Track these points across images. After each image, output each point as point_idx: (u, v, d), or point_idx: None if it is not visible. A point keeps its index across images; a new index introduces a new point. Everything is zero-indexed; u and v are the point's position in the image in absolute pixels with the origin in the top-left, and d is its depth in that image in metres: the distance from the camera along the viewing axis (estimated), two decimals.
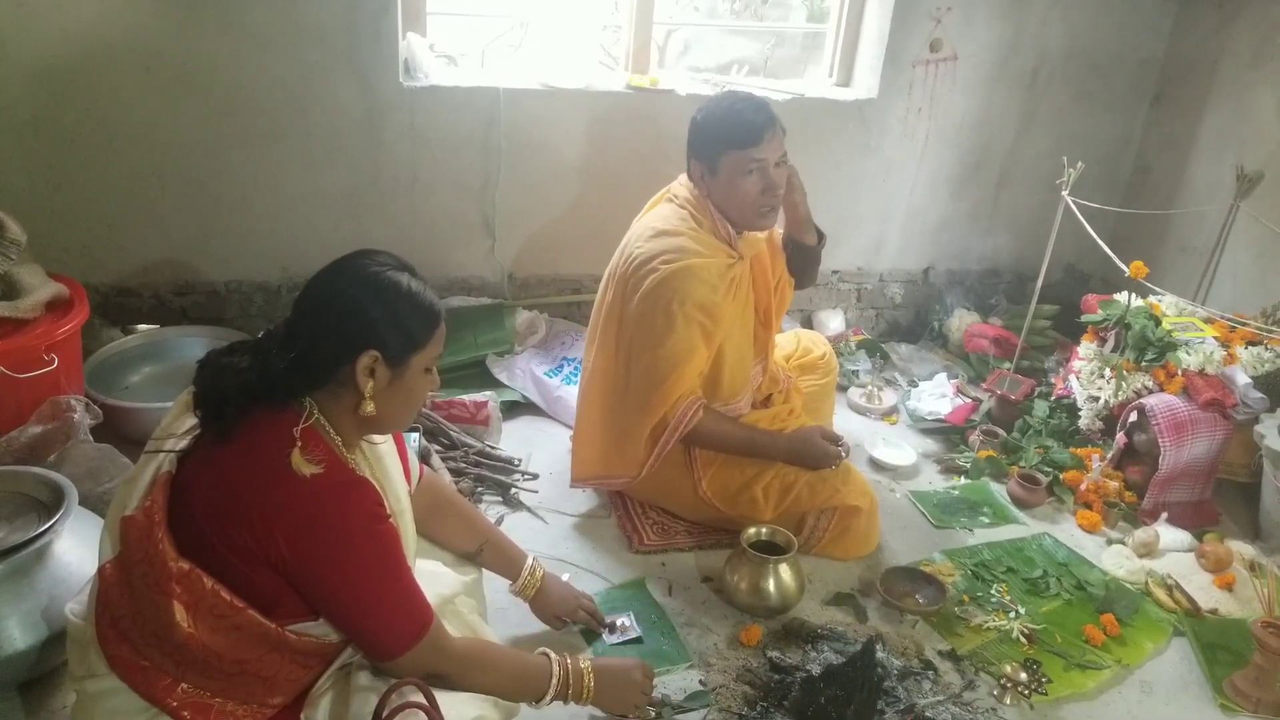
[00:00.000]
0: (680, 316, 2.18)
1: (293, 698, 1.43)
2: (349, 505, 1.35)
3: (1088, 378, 2.89)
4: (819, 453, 2.32)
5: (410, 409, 1.48)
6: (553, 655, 1.64)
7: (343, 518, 1.33)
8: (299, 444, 1.32)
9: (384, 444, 1.59)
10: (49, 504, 1.83)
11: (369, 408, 1.38)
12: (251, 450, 1.34)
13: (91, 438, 2.25)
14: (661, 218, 2.31)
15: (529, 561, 1.94)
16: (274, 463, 1.31)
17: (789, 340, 2.81)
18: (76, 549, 1.80)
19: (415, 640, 1.41)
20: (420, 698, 1.35)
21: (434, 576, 1.66)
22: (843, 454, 2.34)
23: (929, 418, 3.11)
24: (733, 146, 2.17)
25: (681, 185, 2.35)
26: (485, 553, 1.88)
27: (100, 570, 1.37)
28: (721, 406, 2.36)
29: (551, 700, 1.61)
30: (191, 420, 1.41)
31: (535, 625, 2.03)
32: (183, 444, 1.41)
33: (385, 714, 1.32)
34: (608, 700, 1.72)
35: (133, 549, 1.33)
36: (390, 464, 1.59)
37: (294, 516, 1.30)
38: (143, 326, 2.96)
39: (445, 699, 1.40)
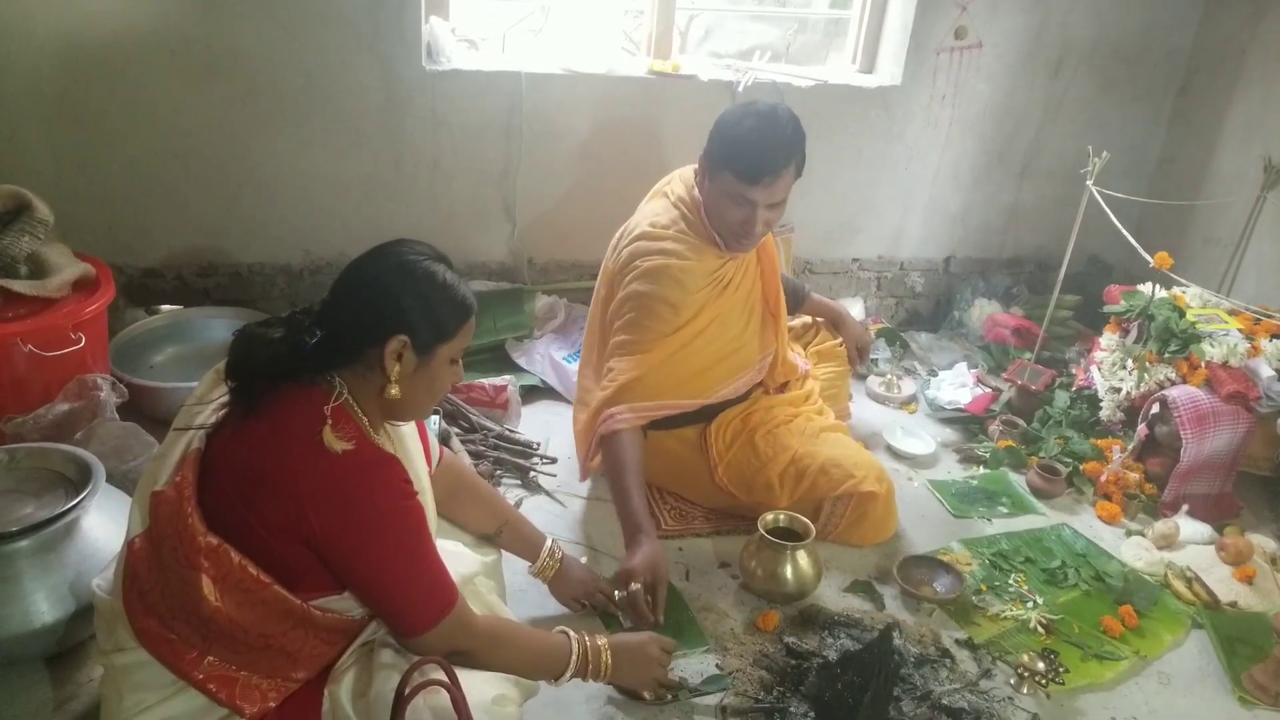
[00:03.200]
0: (647, 313, 2.20)
1: (316, 672, 1.45)
2: (379, 481, 1.37)
3: (1109, 369, 2.87)
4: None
5: (432, 397, 1.51)
6: (571, 633, 1.66)
7: (373, 494, 1.36)
8: (329, 421, 1.35)
9: (405, 425, 1.60)
10: (76, 481, 1.86)
11: (393, 391, 1.41)
12: (282, 426, 1.36)
13: (117, 416, 2.28)
14: (653, 215, 2.29)
15: (548, 543, 1.96)
16: (305, 439, 1.33)
17: (806, 323, 2.81)
18: (103, 525, 1.83)
19: (440, 617, 1.43)
20: (442, 675, 1.36)
21: (454, 556, 1.67)
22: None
23: (948, 407, 3.10)
24: (730, 171, 2.12)
25: (680, 181, 2.33)
26: (505, 534, 1.90)
27: (129, 544, 1.40)
28: (719, 382, 2.35)
29: (570, 677, 1.63)
30: (220, 395, 1.44)
31: (553, 607, 2.05)
32: (212, 420, 1.43)
33: (407, 691, 1.33)
34: (625, 676, 1.74)
35: (162, 524, 1.35)
36: (411, 444, 1.61)
37: (325, 492, 1.33)
38: (166, 307, 2.98)
39: (466, 678, 1.42)
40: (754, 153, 2.10)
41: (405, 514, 1.40)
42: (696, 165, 2.27)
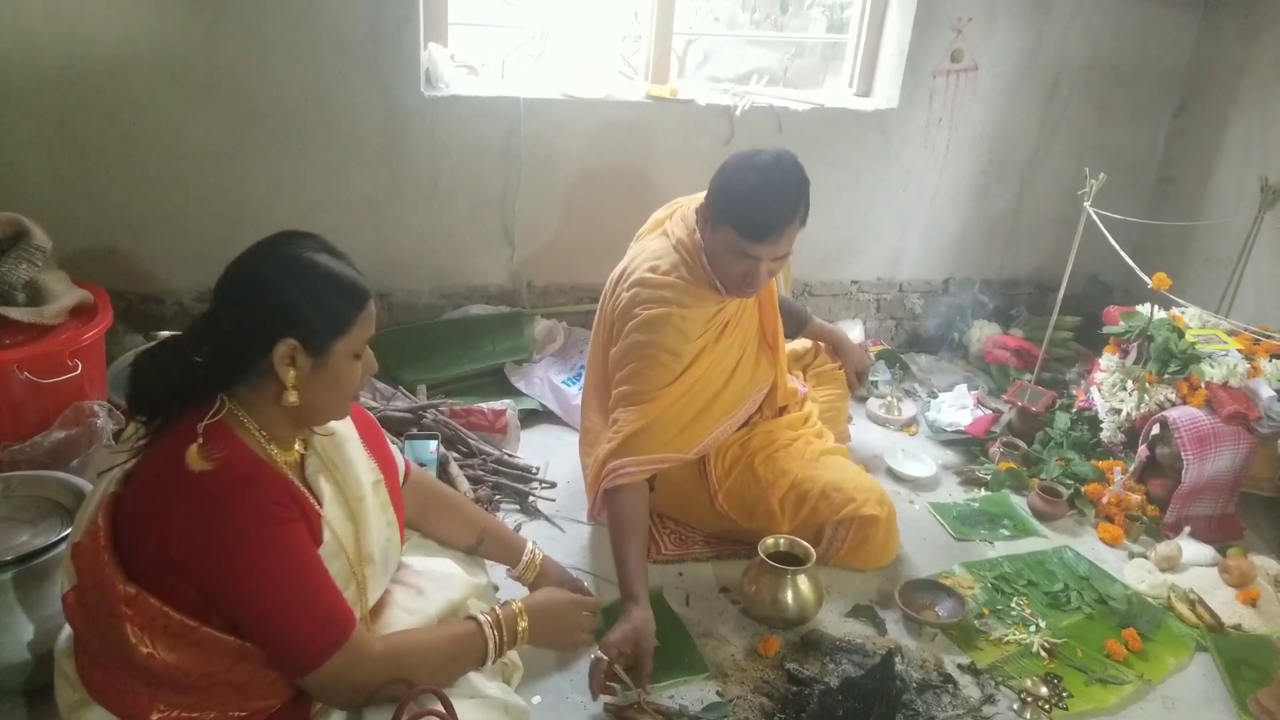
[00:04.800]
0: (649, 362, 2.17)
1: (276, 700, 1.40)
2: (240, 502, 1.28)
3: (1109, 390, 2.87)
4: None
5: (341, 397, 1.41)
6: (480, 615, 1.57)
7: (233, 515, 1.27)
8: (200, 440, 1.27)
9: (343, 429, 1.54)
10: (72, 509, 1.85)
11: (291, 398, 1.32)
12: (160, 453, 1.31)
13: (114, 443, 2.27)
14: (653, 258, 2.24)
15: (529, 545, 1.91)
16: (172, 463, 1.26)
17: (805, 346, 2.80)
18: None
19: (330, 651, 1.32)
20: (437, 705, 1.34)
21: (445, 579, 1.64)
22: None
23: (949, 429, 3.09)
24: (733, 228, 2.06)
25: (681, 222, 2.28)
26: (485, 543, 1.84)
27: (63, 599, 1.36)
28: (713, 424, 2.31)
29: (496, 657, 1.56)
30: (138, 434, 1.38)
31: None
32: (129, 463, 1.37)
33: None
34: (545, 637, 1.69)
35: (84, 575, 1.31)
36: (350, 451, 1.53)
37: (184, 516, 1.26)
38: (165, 333, 2.97)
39: (457, 709, 1.39)
40: (757, 211, 2.04)
41: (274, 539, 1.29)
42: (698, 206, 2.21)
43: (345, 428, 1.55)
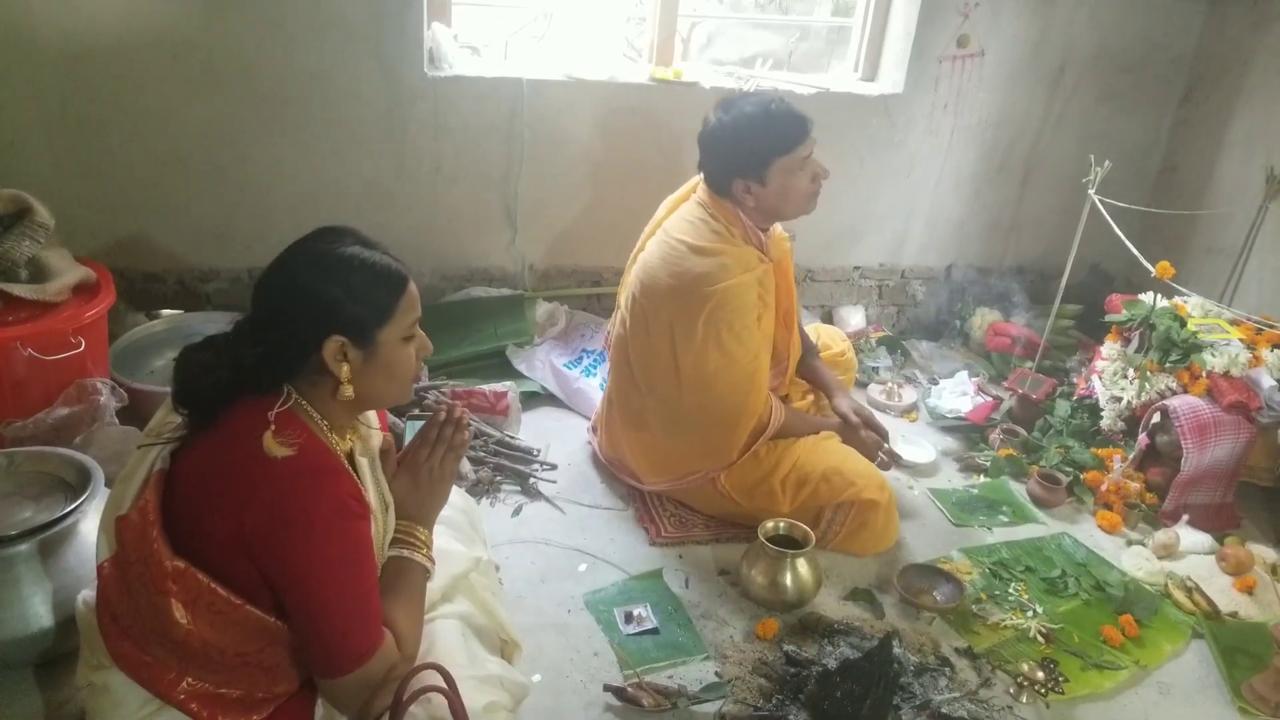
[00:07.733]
0: (743, 330, 2.24)
1: (298, 685, 1.42)
2: (317, 491, 1.30)
3: (1110, 378, 2.87)
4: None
5: (398, 382, 1.42)
6: (412, 556, 1.50)
7: (309, 504, 1.28)
8: (273, 426, 1.29)
9: (375, 422, 1.56)
10: (75, 485, 1.86)
11: (347, 391, 1.35)
12: (228, 437, 1.32)
13: (117, 420, 2.28)
14: (693, 230, 2.28)
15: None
16: (247, 446, 1.28)
17: (808, 334, 2.80)
18: None
19: (367, 655, 1.34)
20: (440, 681, 1.35)
21: (445, 555, 1.64)
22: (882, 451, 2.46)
23: (949, 415, 3.10)
24: (780, 152, 2.18)
25: (704, 193, 2.33)
26: None
27: (99, 569, 1.37)
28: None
29: (432, 562, 1.53)
30: (175, 422, 1.39)
31: (546, 613, 2.06)
32: (176, 438, 1.38)
33: (405, 698, 1.32)
34: (432, 505, 1.57)
35: (128, 549, 1.32)
36: (377, 443, 1.55)
37: (260, 499, 1.27)
38: (167, 311, 2.98)
39: (460, 689, 1.40)
40: (785, 121, 2.18)
41: (343, 533, 1.31)
42: (709, 191, 2.29)
43: (375, 420, 1.56)
